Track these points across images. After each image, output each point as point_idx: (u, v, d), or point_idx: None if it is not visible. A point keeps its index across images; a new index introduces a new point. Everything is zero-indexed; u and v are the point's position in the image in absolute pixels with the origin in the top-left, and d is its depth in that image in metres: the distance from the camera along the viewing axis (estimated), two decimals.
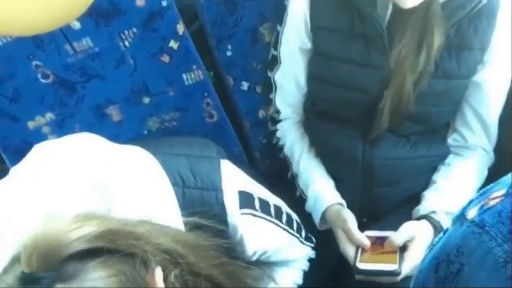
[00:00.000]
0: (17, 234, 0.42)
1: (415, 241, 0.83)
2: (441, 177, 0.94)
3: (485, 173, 0.96)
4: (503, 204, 0.34)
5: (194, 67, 1.04)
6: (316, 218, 0.94)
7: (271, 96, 1.05)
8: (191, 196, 0.62)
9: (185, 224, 0.59)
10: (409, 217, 0.93)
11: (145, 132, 1.08)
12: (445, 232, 0.39)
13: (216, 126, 1.10)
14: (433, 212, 0.89)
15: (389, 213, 0.98)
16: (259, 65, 1.10)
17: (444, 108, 0.90)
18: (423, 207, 0.90)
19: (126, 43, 0.98)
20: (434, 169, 0.97)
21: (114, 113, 1.05)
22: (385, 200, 0.96)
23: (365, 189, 0.95)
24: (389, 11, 0.83)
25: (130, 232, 0.45)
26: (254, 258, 0.71)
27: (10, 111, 0.98)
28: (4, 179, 0.56)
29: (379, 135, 0.91)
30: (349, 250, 0.85)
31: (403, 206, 0.97)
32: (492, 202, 0.35)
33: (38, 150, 0.59)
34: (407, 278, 0.81)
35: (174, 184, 0.61)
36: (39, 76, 0.96)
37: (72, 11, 0.83)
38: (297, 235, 0.82)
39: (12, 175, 0.56)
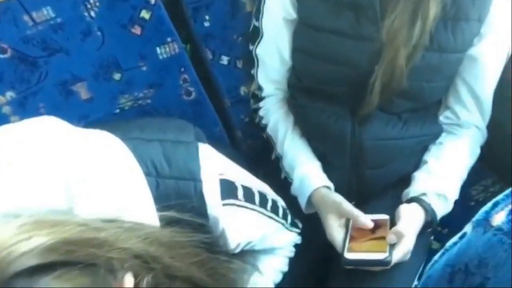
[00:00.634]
0: None
1: (405, 225, 0.79)
2: (432, 158, 0.90)
3: (477, 151, 0.92)
4: None
5: (169, 39, 0.95)
6: (302, 202, 0.89)
7: (253, 71, 0.98)
8: (166, 187, 0.55)
9: (160, 219, 0.53)
10: (398, 199, 0.89)
11: (117, 111, 1.00)
12: (462, 237, 0.33)
13: (194, 104, 1.02)
14: (424, 194, 0.85)
15: (378, 196, 0.93)
16: (240, 37, 1.02)
17: (438, 83, 0.85)
18: (414, 189, 0.86)
19: (92, 13, 0.89)
20: (425, 148, 0.92)
21: (82, 90, 0.96)
22: (374, 182, 0.91)
23: (354, 170, 0.90)
24: None
25: (89, 240, 0.38)
26: (237, 250, 0.66)
27: None
28: None
29: (369, 113, 0.86)
30: (336, 238, 0.81)
31: (392, 188, 0.92)
32: None
33: None
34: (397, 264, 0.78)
35: (147, 174, 0.55)
36: None
37: None
38: (283, 221, 0.77)
39: None
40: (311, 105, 0.91)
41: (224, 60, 1.03)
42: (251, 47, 0.96)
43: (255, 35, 0.94)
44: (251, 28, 0.95)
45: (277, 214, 0.74)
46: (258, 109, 1.00)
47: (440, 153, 0.90)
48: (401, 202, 0.87)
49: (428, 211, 0.83)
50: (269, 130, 0.97)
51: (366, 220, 0.80)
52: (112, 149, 0.55)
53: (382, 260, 0.74)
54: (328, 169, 0.91)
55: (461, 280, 0.32)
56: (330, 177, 0.90)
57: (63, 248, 0.35)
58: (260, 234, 0.71)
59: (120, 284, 0.41)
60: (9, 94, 0.92)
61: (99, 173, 0.51)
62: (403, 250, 0.77)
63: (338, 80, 0.86)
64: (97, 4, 0.88)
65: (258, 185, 0.71)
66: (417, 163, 0.92)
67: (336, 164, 0.91)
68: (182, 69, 0.99)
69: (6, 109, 0.93)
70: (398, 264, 0.78)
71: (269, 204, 0.72)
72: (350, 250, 0.78)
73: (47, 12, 0.86)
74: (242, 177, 0.67)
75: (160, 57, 0.97)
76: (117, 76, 0.97)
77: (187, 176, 0.57)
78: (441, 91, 0.89)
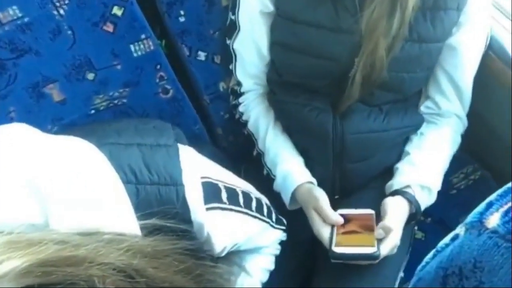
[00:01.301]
0: None
1: (392, 219, 0.79)
2: (414, 149, 0.90)
3: (458, 140, 0.93)
4: None
5: (143, 36, 0.92)
6: (286, 199, 0.88)
7: (231, 66, 0.96)
8: (146, 194, 0.53)
9: (142, 227, 0.50)
10: (382, 192, 0.89)
11: (92, 112, 0.97)
12: (454, 239, 0.33)
13: (172, 103, 0.99)
14: (408, 186, 0.84)
15: (361, 189, 0.93)
16: (217, 32, 0.99)
17: (418, 74, 0.85)
18: (397, 182, 0.86)
19: (61, 11, 0.85)
20: (407, 140, 0.92)
21: (54, 92, 0.93)
22: (357, 175, 0.91)
23: (337, 164, 0.89)
24: None
25: (67, 258, 0.36)
26: (223, 254, 0.64)
27: None
28: None
29: (350, 107, 0.85)
30: (323, 232, 0.80)
31: (376, 180, 0.92)
32: None
33: None
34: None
35: (126, 182, 0.52)
36: None
37: None
38: (268, 220, 0.75)
39: None
40: (291, 100, 0.90)
41: (201, 56, 1.00)
42: (228, 42, 0.94)
43: (232, 29, 0.92)
44: (227, 22, 0.93)
45: (262, 213, 0.73)
46: (237, 105, 0.98)
47: (422, 143, 0.90)
48: (385, 195, 0.87)
49: (413, 203, 0.83)
50: (249, 126, 0.95)
51: (337, 217, 0.80)
52: (87, 158, 0.53)
53: (371, 254, 0.74)
54: (310, 164, 0.90)
55: (454, 283, 0.31)
56: (313, 172, 0.89)
57: (39, 270, 0.33)
58: (245, 236, 0.69)
59: None
60: None
61: (74, 184, 0.48)
62: (391, 244, 0.77)
63: (318, 74, 0.85)
64: (66, 1, 0.84)
65: (241, 185, 0.69)
66: (399, 155, 0.92)
67: (318, 159, 0.90)
68: (158, 67, 0.96)
69: None
70: (384, 257, 0.78)
71: (254, 204, 0.70)
72: (338, 244, 0.77)
73: (13, 12, 0.82)
74: (225, 178, 0.65)
75: (135, 54, 0.93)
76: (90, 76, 0.93)
77: (168, 181, 0.54)
78: (422, 82, 0.88)
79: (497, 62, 0.88)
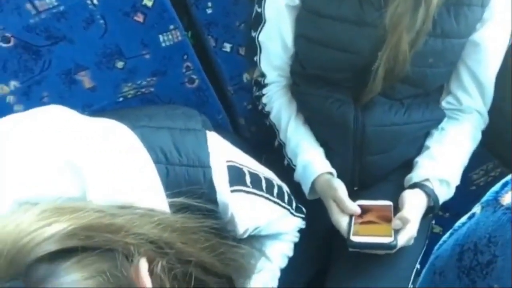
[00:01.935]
0: None
1: (410, 210, 0.80)
2: (434, 143, 0.91)
3: (479, 136, 0.93)
4: None
5: (171, 27, 0.95)
6: (306, 188, 0.90)
7: (256, 58, 0.98)
8: (175, 174, 0.56)
9: (171, 205, 0.53)
10: (400, 185, 0.90)
11: (120, 99, 1.00)
12: (470, 217, 0.34)
13: (197, 92, 1.02)
14: (427, 180, 0.85)
15: (381, 181, 0.94)
16: (242, 24, 1.01)
17: (440, 69, 0.85)
18: (417, 175, 0.87)
19: (95, 1, 0.88)
20: (427, 134, 0.93)
21: (85, 79, 0.96)
22: (377, 167, 0.92)
23: (357, 156, 0.91)
24: None
25: (107, 225, 0.39)
26: (245, 236, 0.67)
27: None
28: None
29: (372, 100, 0.86)
30: (341, 222, 0.82)
31: (395, 173, 0.93)
32: None
33: (1, 127, 0.52)
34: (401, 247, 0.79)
35: (157, 162, 0.55)
36: None
37: None
38: (288, 207, 0.78)
39: None
40: (314, 92, 0.92)
41: (227, 47, 1.03)
42: (253, 34, 0.96)
43: (258, 21, 0.94)
44: (253, 14, 0.95)
45: (282, 200, 0.75)
46: (261, 96, 1.00)
47: (442, 138, 0.91)
48: (403, 188, 0.88)
49: (431, 196, 0.84)
50: (272, 117, 0.97)
51: (355, 207, 0.82)
52: (121, 137, 0.56)
53: (388, 244, 0.76)
54: (330, 155, 0.92)
55: (469, 258, 0.33)
56: (333, 164, 0.91)
57: (82, 234, 0.36)
58: (267, 220, 0.72)
59: (136, 269, 0.41)
60: (13, 84, 0.92)
61: (110, 161, 0.51)
62: (408, 235, 0.78)
63: (341, 67, 0.86)
64: None
65: (264, 172, 0.71)
66: (419, 149, 0.93)
67: (338, 150, 0.91)
68: (185, 57, 0.99)
69: (10, 99, 0.93)
70: (400, 249, 0.79)
71: (275, 190, 0.73)
72: (355, 233, 0.79)
73: (50, 1, 0.86)
74: (249, 164, 0.68)
75: (163, 44, 0.96)
76: (120, 64, 0.97)
77: (196, 163, 0.57)
78: (444, 77, 0.89)
79: None
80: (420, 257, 0.91)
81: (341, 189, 0.84)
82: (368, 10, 0.80)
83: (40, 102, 0.94)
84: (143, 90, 1.01)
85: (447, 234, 0.37)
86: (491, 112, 0.93)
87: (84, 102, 0.98)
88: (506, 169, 1.05)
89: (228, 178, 0.60)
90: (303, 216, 0.84)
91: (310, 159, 0.90)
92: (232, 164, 0.63)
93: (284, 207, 0.76)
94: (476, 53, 0.85)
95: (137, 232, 0.42)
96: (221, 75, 1.06)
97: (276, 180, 0.75)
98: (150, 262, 0.43)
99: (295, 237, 0.85)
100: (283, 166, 0.95)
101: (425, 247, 0.92)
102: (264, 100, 0.99)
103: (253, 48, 0.97)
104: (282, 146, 0.96)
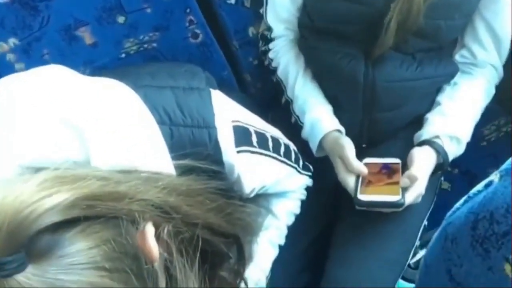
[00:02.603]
0: None
1: (418, 168, 0.79)
2: (446, 99, 0.88)
3: (492, 91, 0.90)
4: None
5: None
6: (313, 146, 0.89)
7: (262, 10, 0.94)
8: (180, 135, 0.55)
9: (176, 168, 0.52)
10: (410, 142, 0.88)
11: (123, 55, 0.98)
12: (487, 185, 0.33)
13: (202, 47, 0.99)
14: (437, 137, 0.84)
15: (390, 138, 0.92)
16: None
17: (456, 21, 0.81)
18: (427, 132, 0.85)
19: None
20: (439, 90, 0.90)
21: (86, 35, 0.93)
22: (386, 124, 0.90)
23: (366, 113, 0.88)
24: None
25: (110, 193, 0.38)
26: (252, 195, 0.66)
27: None
28: None
29: (383, 54, 0.83)
30: (349, 181, 0.81)
31: (404, 130, 0.92)
32: None
33: (1, 89, 0.51)
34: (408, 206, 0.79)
35: (160, 123, 0.54)
36: None
37: None
38: (295, 165, 0.77)
39: None
40: (323, 46, 0.88)
41: None
42: None
43: None
44: None
45: (289, 159, 0.74)
46: (267, 51, 0.97)
47: (454, 93, 0.88)
48: (413, 144, 0.86)
49: (441, 153, 0.83)
50: (279, 73, 0.95)
51: (361, 167, 0.80)
52: (124, 98, 0.54)
53: (396, 202, 0.75)
54: (339, 112, 0.90)
55: (484, 228, 0.32)
56: (341, 120, 0.89)
57: (84, 203, 0.35)
58: (273, 179, 0.71)
59: (142, 235, 0.41)
60: (12, 41, 0.89)
61: (113, 123, 0.50)
62: (416, 193, 0.77)
63: (351, 19, 0.82)
64: None
65: (271, 131, 0.70)
66: (430, 105, 0.90)
67: (347, 107, 0.89)
68: (188, 10, 0.95)
69: (10, 57, 0.91)
70: (408, 206, 0.79)
71: (282, 149, 0.71)
72: (363, 192, 0.78)
73: None
74: (255, 123, 0.66)
75: None
76: (121, 19, 0.93)
77: (201, 123, 0.56)
78: (459, 30, 0.85)
79: None
80: (428, 213, 0.91)
81: (348, 147, 0.83)
82: None
83: (41, 60, 0.92)
84: (145, 45, 0.98)
85: (461, 201, 0.36)
86: (506, 66, 0.89)
87: (85, 59, 0.96)
88: None
89: (234, 139, 0.59)
90: (310, 174, 0.83)
91: (319, 116, 0.88)
92: (238, 124, 0.61)
93: (291, 166, 0.76)
94: (493, 4, 0.81)
95: (142, 198, 0.41)
96: (226, 29, 1.02)
97: (283, 139, 0.74)
98: (156, 227, 0.43)
99: (302, 195, 0.84)
100: (290, 124, 0.93)
101: (433, 204, 0.92)
102: (270, 55, 0.96)
103: (259, 0, 0.93)
104: (289, 103, 0.94)
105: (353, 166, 0.81)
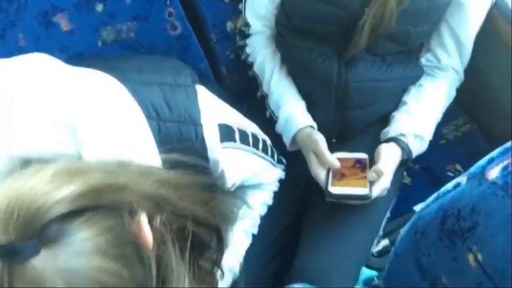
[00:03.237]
0: None
1: (385, 164, 0.84)
2: (411, 99, 0.94)
3: (453, 93, 0.96)
4: None
5: None
6: (287, 140, 0.92)
7: (241, 6, 0.96)
8: (167, 130, 0.57)
9: (164, 162, 0.55)
10: (377, 138, 0.93)
11: (99, 44, 0.97)
12: (455, 186, 0.38)
13: (180, 39, 1.00)
14: (402, 134, 0.89)
15: (358, 134, 0.97)
16: None
17: (424, 28, 0.87)
18: (393, 129, 0.91)
19: None
20: (405, 90, 0.95)
21: (63, 21, 0.93)
22: (356, 121, 0.95)
23: (338, 110, 0.93)
24: None
25: (113, 185, 0.40)
26: (233, 189, 0.69)
27: None
28: None
29: (355, 55, 0.87)
30: (320, 174, 0.86)
31: (373, 127, 0.97)
32: None
33: None
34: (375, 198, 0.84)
35: (148, 117, 0.56)
36: None
37: None
38: (270, 159, 0.81)
39: None
40: (298, 44, 0.92)
41: None
42: None
43: None
44: None
45: (266, 153, 0.78)
46: (244, 46, 0.99)
47: (419, 94, 0.94)
48: (379, 141, 0.92)
49: (405, 150, 0.88)
50: (255, 68, 0.97)
51: (334, 161, 0.85)
52: (112, 91, 0.55)
53: (364, 195, 0.80)
54: (312, 108, 0.93)
55: (452, 222, 0.36)
56: (314, 117, 0.93)
57: (90, 195, 0.38)
58: (252, 172, 0.74)
59: (137, 224, 0.43)
60: None
61: (102, 116, 0.52)
62: (382, 186, 0.83)
63: (327, 21, 0.86)
64: None
65: (250, 127, 0.73)
66: (397, 104, 0.95)
67: (321, 104, 0.93)
68: (168, 2, 0.96)
69: None
70: (374, 198, 0.84)
71: (260, 144, 0.75)
72: (333, 185, 0.83)
73: None
74: (237, 120, 0.69)
75: None
76: (99, 7, 0.93)
77: (188, 120, 0.58)
78: (426, 35, 0.91)
79: (499, 19, 0.90)
80: (391, 206, 0.97)
81: (321, 142, 0.87)
82: None
83: (15, 45, 0.91)
84: (123, 35, 0.98)
85: (431, 198, 0.41)
86: (468, 70, 0.96)
87: (61, 45, 0.95)
88: (475, 125, 1.10)
89: (219, 136, 0.61)
90: (283, 167, 0.87)
91: (293, 111, 0.92)
92: (223, 122, 0.64)
93: (267, 160, 0.79)
94: (459, 12, 0.87)
95: (138, 189, 0.43)
96: (205, 23, 1.03)
97: (261, 135, 0.77)
98: (150, 217, 0.45)
99: (275, 186, 0.88)
100: (265, 117, 0.96)
101: (396, 197, 0.98)
102: (247, 50, 0.99)
103: None
104: (264, 97, 0.97)
105: (327, 160, 0.85)
